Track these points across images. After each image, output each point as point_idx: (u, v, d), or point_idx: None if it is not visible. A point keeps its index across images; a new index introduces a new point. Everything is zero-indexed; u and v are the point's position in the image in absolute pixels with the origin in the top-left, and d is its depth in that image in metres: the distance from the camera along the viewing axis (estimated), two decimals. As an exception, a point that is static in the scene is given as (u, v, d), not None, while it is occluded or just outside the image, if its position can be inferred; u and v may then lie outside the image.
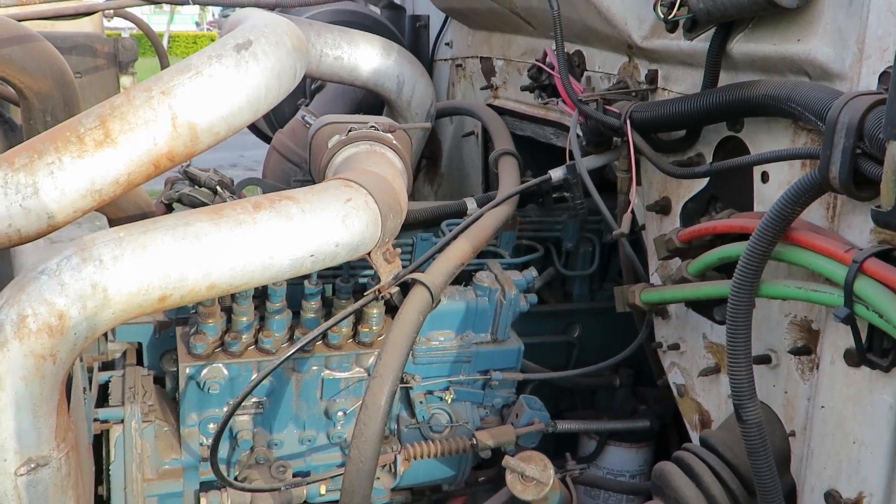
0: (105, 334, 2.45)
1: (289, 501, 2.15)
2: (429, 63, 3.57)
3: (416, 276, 1.81)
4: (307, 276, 2.16)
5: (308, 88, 3.36)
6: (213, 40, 3.53)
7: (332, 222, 1.68)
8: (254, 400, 2.16)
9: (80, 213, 1.67)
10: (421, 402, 2.22)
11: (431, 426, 2.26)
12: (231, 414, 1.73)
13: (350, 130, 2.13)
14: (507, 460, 1.86)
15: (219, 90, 1.66)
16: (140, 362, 2.32)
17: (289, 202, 1.67)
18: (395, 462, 2.13)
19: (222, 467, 2.17)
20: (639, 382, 2.69)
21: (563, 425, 2.29)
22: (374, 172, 1.86)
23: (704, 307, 1.95)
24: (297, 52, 1.82)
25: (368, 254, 1.80)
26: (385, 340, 1.74)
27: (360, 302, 1.84)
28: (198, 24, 34.43)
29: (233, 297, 2.09)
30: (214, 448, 1.79)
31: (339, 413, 2.23)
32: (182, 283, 1.54)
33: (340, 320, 1.82)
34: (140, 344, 2.30)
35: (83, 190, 1.63)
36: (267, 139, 3.81)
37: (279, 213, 1.64)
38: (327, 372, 2.20)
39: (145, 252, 1.51)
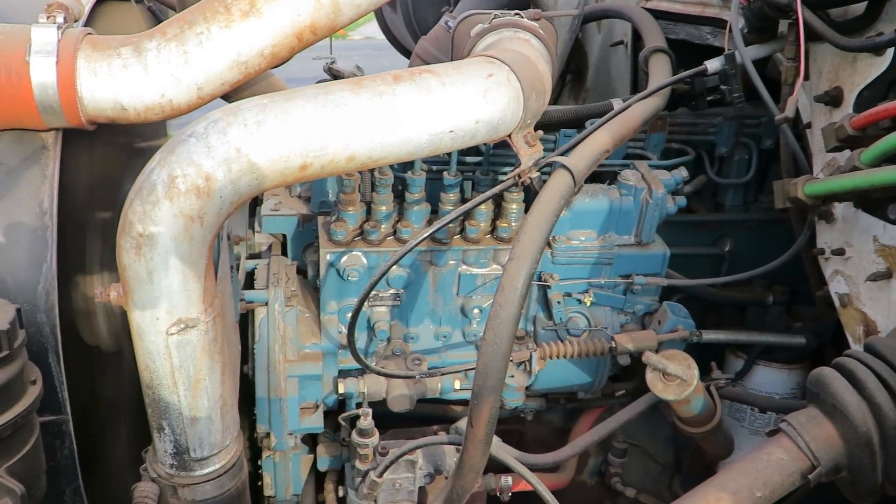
0: (252, 226, 2.54)
1: (422, 393, 2.17)
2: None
3: (557, 158, 1.73)
4: (446, 168, 2.13)
5: (451, -4, 3.31)
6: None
7: (472, 97, 1.63)
8: (391, 291, 2.17)
9: (227, 85, 1.69)
10: (558, 303, 2.16)
11: (569, 329, 2.20)
12: (364, 298, 1.73)
13: (494, 19, 2.06)
14: (648, 356, 1.77)
15: (363, -42, 1.63)
16: (284, 254, 2.39)
17: (429, 75, 1.63)
18: (530, 360, 2.09)
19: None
20: (794, 301, 2.50)
21: (710, 335, 2.17)
22: (518, 51, 1.79)
23: (877, 206, 1.76)
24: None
25: (509, 136, 1.75)
26: (523, 222, 1.68)
27: (499, 187, 1.79)
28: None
29: (373, 185, 2.10)
30: (351, 330, 1.81)
31: (475, 310, 2.21)
32: (323, 152, 1.54)
33: (477, 205, 1.77)
34: (284, 236, 2.36)
35: (229, 61, 1.65)
36: (409, 55, 3.79)
37: (419, 86, 1.60)
38: (464, 267, 2.18)
39: (288, 118, 1.51)
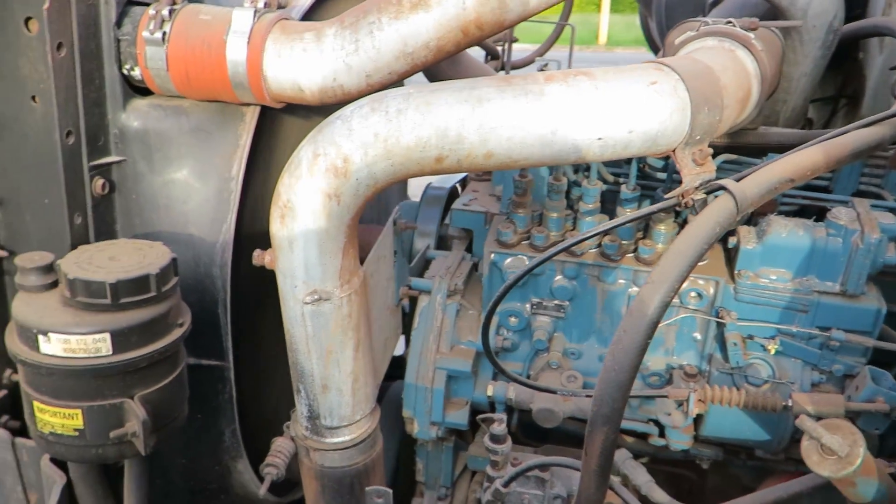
0: (443, 219, 2.59)
1: (573, 412, 2.06)
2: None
3: (724, 182, 1.55)
4: (624, 182, 2.00)
5: (706, 4, 3.07)
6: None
7: (627, 104, 1.51)
8: (555, 302, 2.09)
9: (394, 75, 1.74)
10: (734, 345, 1.93)
11: (747, 376, 1.96)
12: (498, 301, 1.68)
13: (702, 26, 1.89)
14: (804, 420, 1.52)
15: (531, -46, 1.58)
16: (470, 249, 2.41)
17: (584, 77, 1.54)
18: (688, 400, 1.89)
19: (517, 364, 2.17)
20: None
21: (921, 415, 1.80)
22: (697, 60, 1.62)
23: None
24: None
25: (674, 151, 1.59)
26: (670, 246, 1.52)
27: (657, 206, 1.64)
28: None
29: (548, 191, 2.04)
30: (485, 330, 1.77)
31: (643, 336, 2.05)
32: (459, 146, 1.52)
33: (626, 223, 1.64)
34: (472, 231, 2.38)
35: (396, 51, 1.70)
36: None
37: (569, 87, 1.52)
38: (635, 289, 2.03)
39: (428, 109, 1.51)
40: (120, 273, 1.55)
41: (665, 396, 1.91)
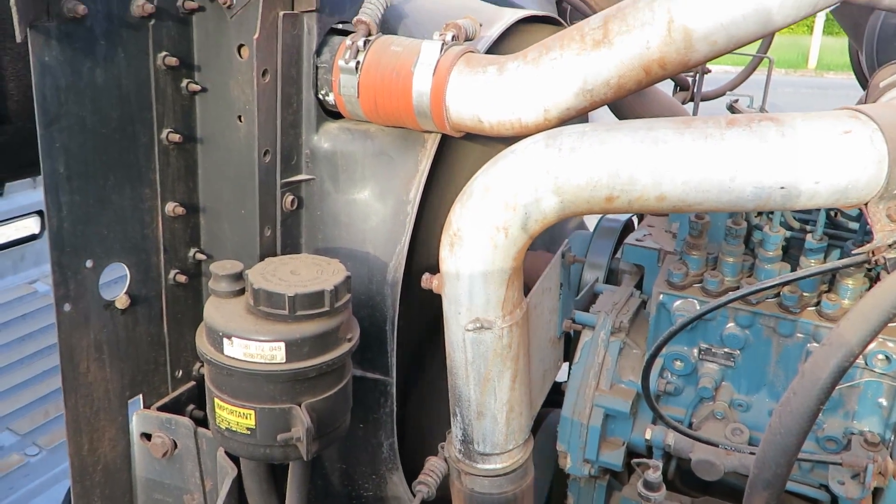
0: (615, 252, 2.55)
1: (735, 467, 1.96)
2: None
3: (922, 242, 1.42)
4: (810, 231, 1.88)
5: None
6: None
7: (815, 153, 1.43)
8: (725, 350, 2.00)
9: (573, 111, 1.75)
10: (926, 415, 1.77)
11: (940, 452, 1.79)
12: (660, 346, 1.63)
13: (914, 68, 1.75)
14: None
15: (722, -7, 1.53)
16: (640, 286, 2.36)
17: (769, 123, 1.47)
18: (865, 470, 1.75)
19: (679, 410, 2.10)
20: None
21: None
22: (902, 108, 1.50)
23: None
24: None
25: (865, 204, 1.49)
26: (855, 304, 1.42)
27: (845, 261, 1.53)
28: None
29: (725, 234, 1.96)
30: (645, 375, 1.73)
31: (820, 396, 1.92)
32: (630, 187, 1.51)
33: (809, 276, 1.55)
34: (643, 267, 2.33)
35: (576, 87, 1.70)
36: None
37: (753, 133, 1.46)
38: (815, 344, 1.90)
39: (602, 148, 1.51)
40: (298, 287, 1.66)
41: (839, 464, 1.77)
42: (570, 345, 2.35)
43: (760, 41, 3.87)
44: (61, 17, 1.60)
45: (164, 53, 1.84)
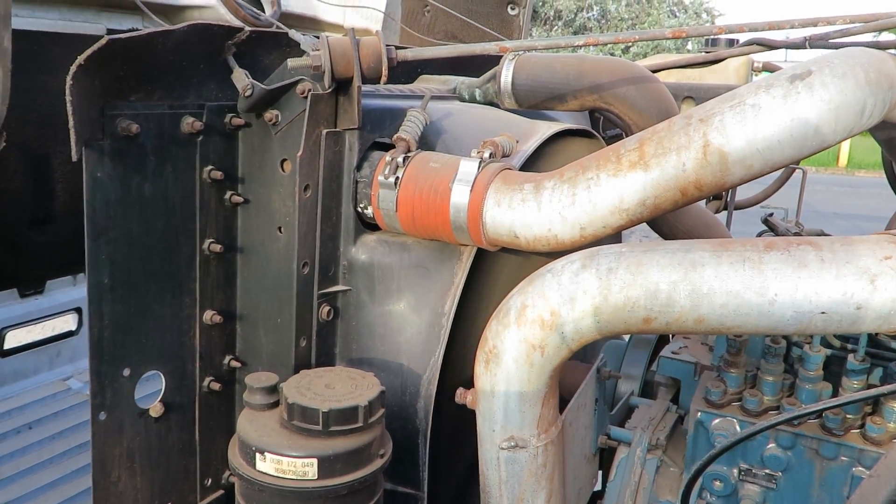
0: (650, 364, 2.52)
1: None
2: None
3: (970, 372, 1.40)
4: (852, 350, 1.85)
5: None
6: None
7: (856, 279, 1.42)
8: (766, 471, 1.94)
9: (609, 229, 1.76)
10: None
11: None
12: (702, 469, 1.59)
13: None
14: None
15: (757, 120, 1.56)
16: (676, 399, 2.32)
17: (808, 247, 1.47)
18: None
19: (721, 532, 2.03)
20: None
21: None
22: (942, 234, 1.50)
23: None
24: (871, 86, 1.58)
25: (909, 329, 1.47)
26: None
27: (889, 387, 1.50)
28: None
29: (764, 352, 1.93)
30: (686, 495, 1.68)
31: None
32: (668, 309, 1.50)
33: (858, 401, 1.51)
34: (679, 381, 2.30)
35: (612, 207, 1.73)
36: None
37: (792, 257, 1.46)
38: (859, 469, 1.84)
39: (639, 269, 1.52)
40: (333, 402, 1.65)
41: None
42: (604, 459, 2.30)
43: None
44: (115, 136, 1.67)
45: (209, 167, 1.91)
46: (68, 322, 3.82)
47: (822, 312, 1.44)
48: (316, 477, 1.63)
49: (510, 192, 1.83)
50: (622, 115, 2.41)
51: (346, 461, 1.65)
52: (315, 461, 1.62)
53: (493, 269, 2.12)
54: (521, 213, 1.81)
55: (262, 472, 1.65)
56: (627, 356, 2.55)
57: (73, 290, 3.92)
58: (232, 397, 2.13)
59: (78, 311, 3.86)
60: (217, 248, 1.95)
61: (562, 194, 1.76)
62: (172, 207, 1.86)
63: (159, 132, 1.80)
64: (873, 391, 1.49)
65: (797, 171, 3.66)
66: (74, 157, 1.58)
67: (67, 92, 1.52)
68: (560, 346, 1.59)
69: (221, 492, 2.14)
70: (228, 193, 1.97)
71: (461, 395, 1.79)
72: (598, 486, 2.35)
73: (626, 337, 2.71)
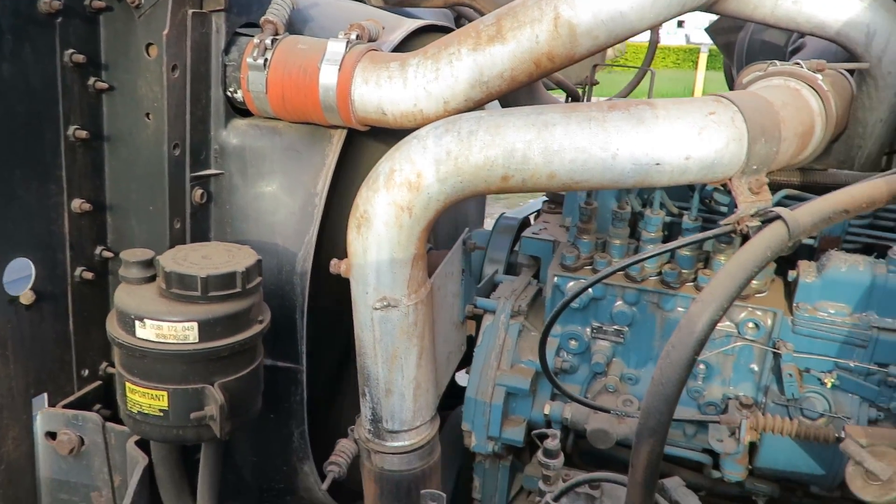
0: (513, 247, 2.69)
1: (626, 435, 2.11)
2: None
3: (778, 209, 1.61)
4: (687, 211, 2.07)
5: (786, 53, 3.13)
6: None
7: (685, 132, 1.60)
8: (615, 327, 2.16)
9: (470, 102, 1.88)
10: (790, 376, 1.95)
11: (803, 409, 1.98)
12: (553, 320, 1.75)
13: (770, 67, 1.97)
14: (848, 444, 1.55)
15: (601, -8, 1.70)
16: (538, 276, 2.50)
17: (646, 106, 1.64)
18: (740, 427, 1.92)
19: (575, 387, 2.23)
20: None
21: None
22: (757, 94, 1.70)
23: None
24: (701, -35, 1.76)
25: (730, 179, 1.67)
26: (722, 267, 1.59)
27: (713, 232, 1.70)
28: None
29: (612, 218, 2.13)
30: (542, 348, 1.84)
31: (700, 366, 2.10)
32: (524, 166, 1.64)
33: (681, 247, 1.72)
34: (540, 259, 2.48)
35: (473, 80, 1.84)
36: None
37: (631, 115, 1.62)
38: (694, 317, 2.08)
39: (497, 131, 1.64)
40: (210, 269, 1.71)
41: (718, 422, 1.95)
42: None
43: (645, 55, 4.16)
44: (-34, 12, 1.63)
45: (71, 51, 1.88)
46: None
47: (657, 164, 1.61)
48: (197, 340, 1.69)
49: (377, 71, 1.91)
50: (483, 10, 2.52)
51: (226, 325, 1.72)
52: (195, 325, 1.68)
53: (363, 153, 2.20)
54: (389, 89, 1.89)
55: (142, 338, 1.69)
56: (492, 241, 2.72)
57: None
58: (105, 288, 2.14)
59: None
60: (82, 134, 1.94)
61: (426, 70, 1.86)
62: (33, 91, 1.83)
63: (15, 10, 1.75)
64: (699, 235, 1.69)
65: (648, 72, 3.92)
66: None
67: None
68: (427, 207, 1.70)
69: (99, 382, 2.16)
70: (92, 79, 1.95)
71: (335, 266, 1.88)
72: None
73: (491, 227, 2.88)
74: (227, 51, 2.02)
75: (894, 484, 1.51)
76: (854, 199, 1.65)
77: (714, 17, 3.65)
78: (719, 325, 2.07)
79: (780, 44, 3.23)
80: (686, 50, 30.63)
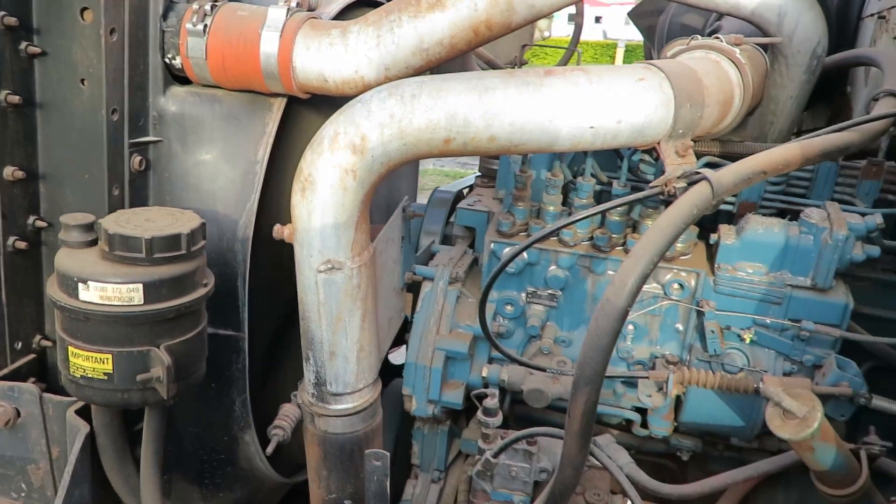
0: (448, 219, 2.76)
1: (560, 395, 2.20)
2: (856, 21, 3.22)
3: (702, 170, 1.72)
4: (616, 179, 2.17)
5: (705, 32, 3.29)
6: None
7: (616, 96, 1.69)
8: (549, 291, 2.25)
9: (411, 69, 1.93)
10: (712, 332, 2.08)
11: (724, 364, 2.11)
12: (490, 283, 1.83)
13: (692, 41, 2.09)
14: (766, 386, 1.67)
15: (536, -37, 1.78)
16: (473, 246, 2.58)
17: (580, 72, 1.72)
18: (667, 381, 2.04)
19: (511, 350, 2.32)
20: None
21: (882, 403, 1.95)
22: (683, 63, 1.81)
23: None
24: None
25: (658, 143, 1.77)
26: (653, 223, 1.69)
27: (642, 194, 1.80)
28: None
29: (546, 185, 2.21)
30: (481, 311, 1.91)
31: (629, 326, 2.21)
32: (465, 129, 1.70)
33: (611, 208, 1.80)
34: (475, 229, 2.55)
35: (413, 47, 1.89)
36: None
37: (566, 80, 1.70)
38: (624, 280, 2.19)
39: (440, 94, 1.70)
40: (154, 231, 1.72)
41: (646, 378, 2.06)
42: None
43: (570, 38, 4.28)
44: None
45: (2, 13, 1.84)
46: None
47: (591, 127, 1.70)
48: (142, 302, 1.69)
49: (318, 38, 1.94)
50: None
51: (172, 287, 1.73)
52: (140, 286, 1.68)
53: (304, 121, 2.22)
54: (330, 56, 1.93)
55: (85, 301, 1.68)
56: (428, 214, 2.78)
57: None
58: (39, 260, 2.10)
59: None
60: (14, 99, 1.91)
61: (367, 36, 1.90)
62: None
63: (-58, -30, 1.72)
64: (628, 197, 1.79)
65: (575, 52, 4.04)
66: None
67: None
68: (371, 170, 1.75)
69: (33, 356, 2.13)
70: (24, 44, 1.92)
71: (278, 231, 1.90)
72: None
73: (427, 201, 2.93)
74: (164, 16, 2.01)
75: (809, 421, 1.64)
76: (771, 161, 1.78)
77: (636, 2, 3.80)
78: (646, 286, 2.20)
79: (699, 27, 3.39)
80: (604, 45, 31.34)
